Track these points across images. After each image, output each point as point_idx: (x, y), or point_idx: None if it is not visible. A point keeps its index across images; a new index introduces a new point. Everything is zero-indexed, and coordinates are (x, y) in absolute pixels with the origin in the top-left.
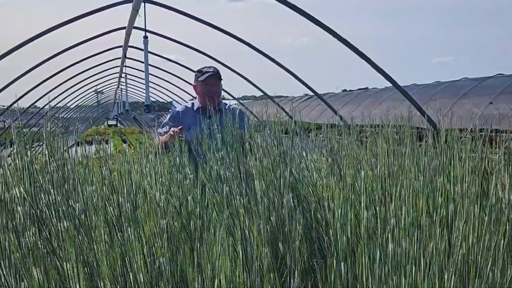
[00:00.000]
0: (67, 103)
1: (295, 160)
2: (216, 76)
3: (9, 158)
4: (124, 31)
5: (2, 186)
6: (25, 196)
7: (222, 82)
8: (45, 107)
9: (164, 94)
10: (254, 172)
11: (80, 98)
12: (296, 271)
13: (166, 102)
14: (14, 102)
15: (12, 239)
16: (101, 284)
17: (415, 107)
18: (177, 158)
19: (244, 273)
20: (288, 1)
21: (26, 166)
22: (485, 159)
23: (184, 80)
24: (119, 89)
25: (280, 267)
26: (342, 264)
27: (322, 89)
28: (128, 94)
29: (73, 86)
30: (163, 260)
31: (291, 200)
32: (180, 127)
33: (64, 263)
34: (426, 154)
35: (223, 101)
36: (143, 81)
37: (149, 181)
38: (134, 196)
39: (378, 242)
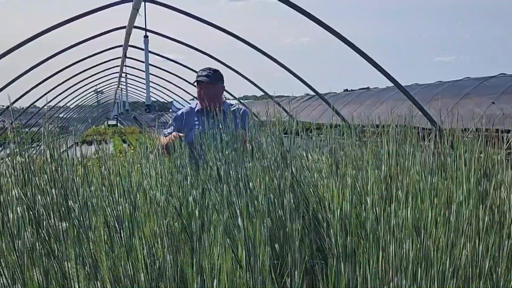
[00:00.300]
0: (67, 103)
1: (296, 160)
2: (209, 80)
3: (7, 159)
4: (124, 30)
5: None
6: (22, 197)
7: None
8: (45, 107)
9: (164, 94)
10: (254, 173)
11: (80, 98)
12: (296, 272)
13: (166, 102)
14: (13, 102)
15: (8, 240)
16: (101, 285)
17: (417, 107)
18: (178, 159)
19: (247, 273)
20: (289, 0)
21: (24, 167)
22: (488, 159)
23: (185, 80)
24: (119, 88)
25: (280, 268)
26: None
27: (323, 89)
28: (128, 94)
29: (73, 85)
30: (163, 260)
31: (292, 200)
32: (181, 134)
33: (64, 264)
34: (428, 155)
35: (228, 101)
36: (144, 81)
37: (149, 181)
38: (134, 197)
39: (380, 243)
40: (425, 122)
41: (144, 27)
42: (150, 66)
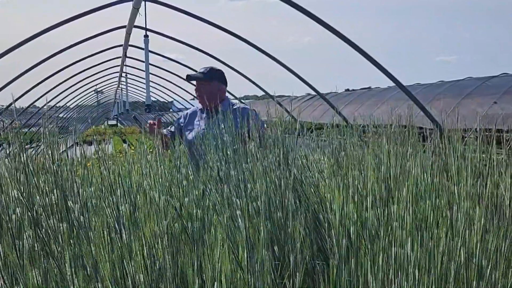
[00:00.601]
0: (66, 103)
1: (297, 161)
2: (202, 76)
3: (6, 159)
4: (124, 30)
5: None
6: (21, 197)
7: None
8: (44, 107)
9: (165, 93)
10: (254, 173)
11: (80, 98)
12: (297, 273)
13: (167, 101)
14: (13, 102)
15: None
16: (101, 286)
17: (418, 107)
18: (178, 159)
19: (248, 275)
20: (290, 0)
21: (22, 167)
22: (490, 159)
23: (185, 80)
24: (119, 88)
25: (281, 269)
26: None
27: (325, 89)
28: (129, 93)
29: (73, 85)
30: (163, 261)
31: (293, 200)
32: (156, 121)
33: (63, 265)
34: (429, 155)
35: (232, 100)
36: (144, 81)
37: (149, 182)
38: (134, 197)
39: (381, 244)
40: (427, 122)
41: (144, 26)
42: (150, 66)
